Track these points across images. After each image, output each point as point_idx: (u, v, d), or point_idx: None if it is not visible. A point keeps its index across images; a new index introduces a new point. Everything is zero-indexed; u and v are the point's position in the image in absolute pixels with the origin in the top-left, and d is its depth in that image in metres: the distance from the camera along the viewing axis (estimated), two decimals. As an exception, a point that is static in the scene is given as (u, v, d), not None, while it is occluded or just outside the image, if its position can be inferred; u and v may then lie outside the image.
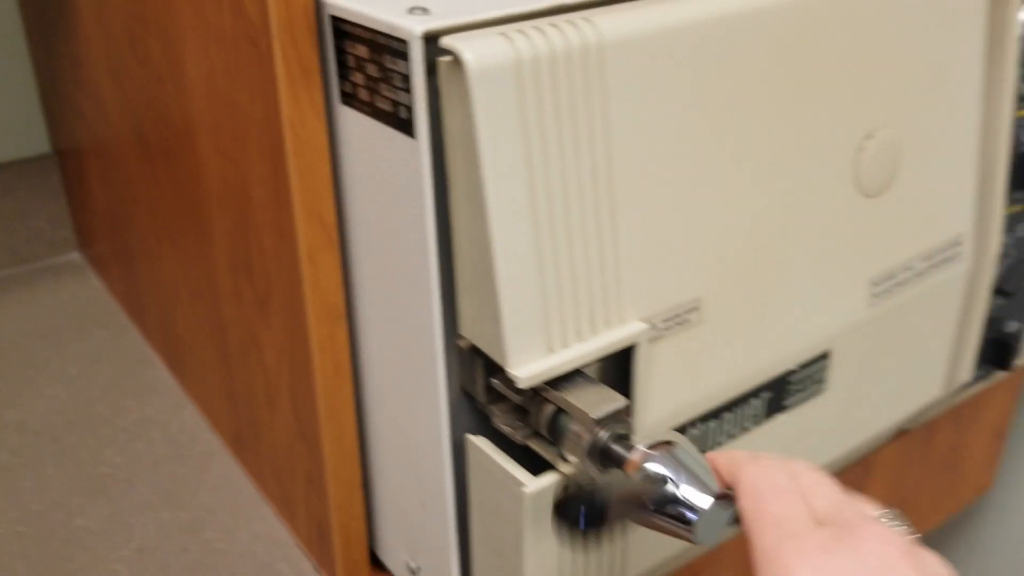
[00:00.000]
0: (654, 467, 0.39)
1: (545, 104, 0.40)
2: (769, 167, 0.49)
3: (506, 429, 0.46)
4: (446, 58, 0.40)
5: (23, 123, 1.01)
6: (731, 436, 0.55)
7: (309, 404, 0.57)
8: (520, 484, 0.44)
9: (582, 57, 0.40)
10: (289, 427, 0.62)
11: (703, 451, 0.46)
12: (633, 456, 0.40)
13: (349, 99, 0.48)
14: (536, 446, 0.45)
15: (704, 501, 0.38)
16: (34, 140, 1.02)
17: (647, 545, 0.53)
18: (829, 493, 0.38)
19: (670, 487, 0.38)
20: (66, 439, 0.78)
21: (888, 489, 0.81)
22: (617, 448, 0.41)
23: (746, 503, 0.38)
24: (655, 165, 0.44)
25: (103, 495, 0.72)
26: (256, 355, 0.63)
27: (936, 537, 1.13)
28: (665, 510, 0.38)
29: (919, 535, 0.39)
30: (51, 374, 0.86)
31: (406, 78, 0.42)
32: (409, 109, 0.42)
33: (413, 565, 0.58)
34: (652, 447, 0.40)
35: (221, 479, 0.73)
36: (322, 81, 0.49)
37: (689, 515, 0.38)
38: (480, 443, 0.47)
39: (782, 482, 0.38)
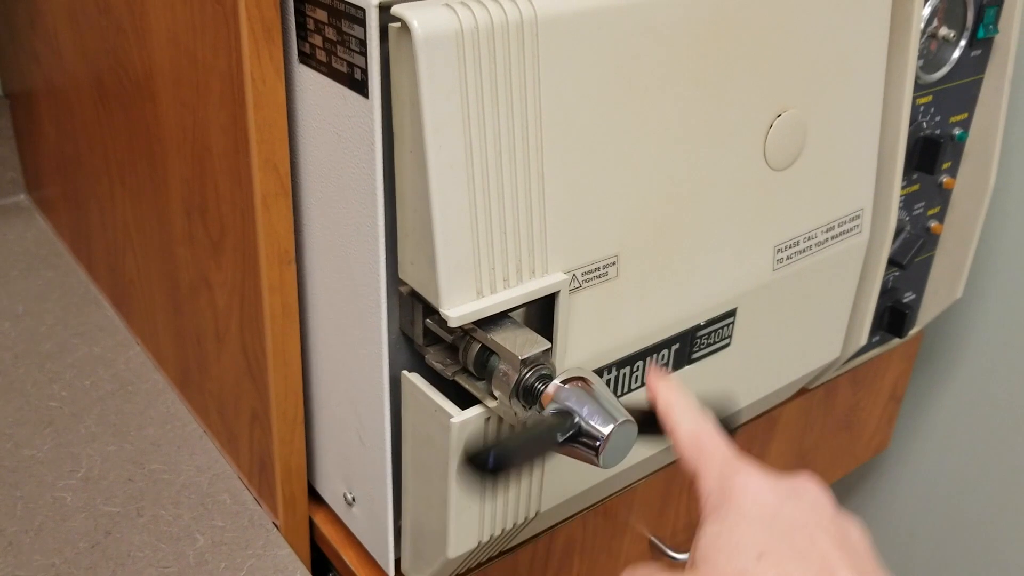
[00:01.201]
0: (565, 398, 0.44)
1: (483, 70, 0.44)
2: (684, 138, 0.55)
3: (437, 365, 0.51)
4: (396, 24, 0.44)
5: (-28, 64, 1.03)
6: (642, 383, 0.60)
7: (258, 343, 0.61)
8: (448, 415, 0.49)
9: (517, 30, 0.45)
10: (237, 365, 0.66)
11: (617, 395, 0.51)
12: (548, 390, 0.45)
13: (307, 59, 0.52)
14: (464, 382, 0.50)
15: (606, 428, 0.43)
16: (-17, 82, 1.04)
17: (562, 478, 0.58)
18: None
19: (576, 417, 0.43)
20: (13, 373, 0.81)
21: (790, 445, 0.87)
22: (540, 386, 0.46)
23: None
24: (580, 132, 0.49)
25: (50, 427, 0.75)
26: (207, 296, 0.67)
27: (836, 492, 1.20)
28: (574, 438, 0.43)
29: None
30: (-1, 311, 0.89)
31: (362, 43, 0.46)
32: (364, 71, 0.47)
33: (350, 496, 0.63)
34: (565, 382, 0.45)
35: (166, 415, 0.77)
36: (282, 40, 0.53)
37: (593, 442, 0.43)
38: (414, 379, 0.52)
39: (721, 450, 0.42)
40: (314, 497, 0.69)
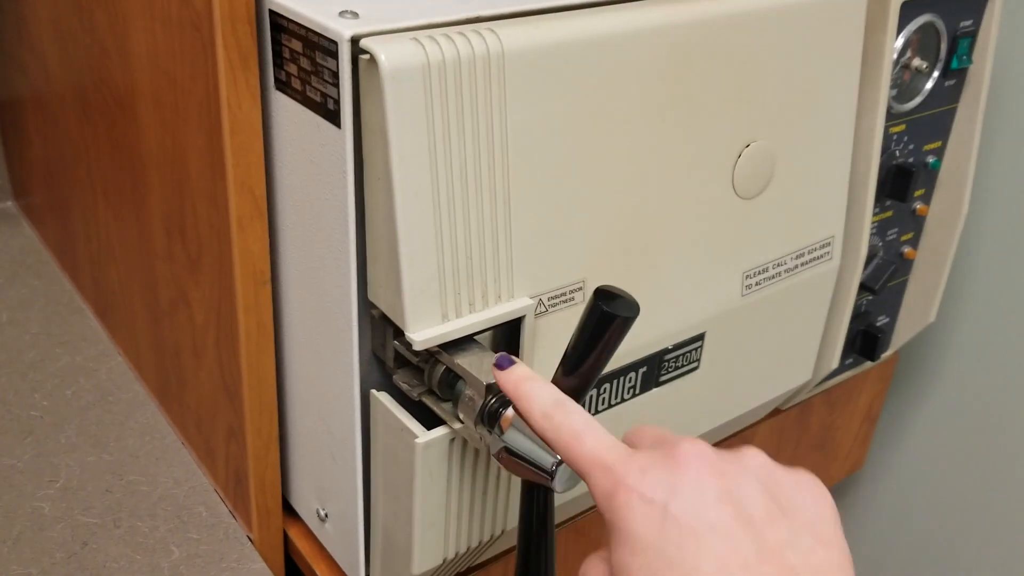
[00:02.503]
0: (520, 424, 0.45)
1: (450, 102, 0.46)
2: (652, 168, 0.56)
3: (404, 386, 0.52)
4: (365, 56, 0.46)
5: (-38, 72, 1.03)
6: (610, 405, 0.61)
7: (233, 360, 0.63)
8: (413, 435, 0.50)
9: (484, 64, 0.46)
10: (214, 380, 0.67)
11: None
12: (507, 413, 0.46)
13: (283, 86, 0.53)
14: (430, 403, 0.51)
15: (551, 463, 0.43)
16: (-28, 90, 1.05)
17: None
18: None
19: (531, 442, 0.44)
20: (-4, 382, 0.82)
21: (764, 463, 0.89)
22: (502, 410, 0.47)
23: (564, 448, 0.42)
24: (547, 161, 0.51)
25: (31, 436, 0.76)
26: (186, 312, 0.68)
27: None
28: (529, 462, 0.44)
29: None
30: (-17, 319, 0.89)
31: (335, 74, 0.47)
32: (336, 102, 0.48)
33: (323, 512, 0.64)
34: None
35: (145, 426, 0.78)
36: (259, 68, 0.54)
37: (547, 466, 0.43)
38: (383, 398, 0.53)
39: (580, 418, 0.42)
40: (290, 512, 0.70)
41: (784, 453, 0.90)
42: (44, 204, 0.98)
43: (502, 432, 0.46)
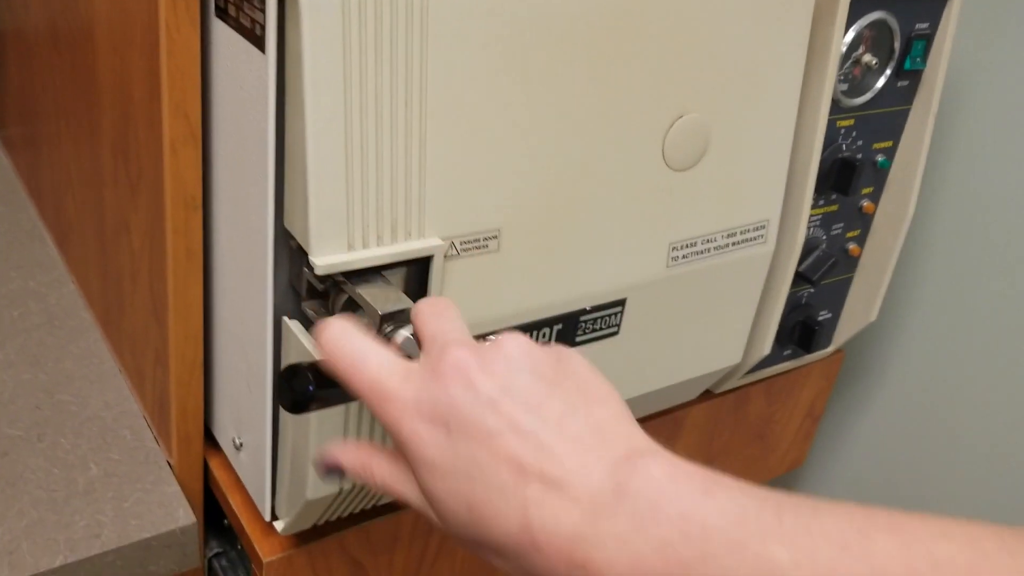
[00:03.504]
0: (410, 349, 0.46)
1: (367, 34, 0.47)
2: (577, 126, 0.57)
3: (310, 312, 0.53)
4: (289, -17, 0.47)
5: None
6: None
7: (161, 285, 0.64)
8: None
9: (407, 1, 0.47)
10: (146, 305, 0.68)
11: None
12: (397, 339, 0.47)
13: (222, 13, 0.54)
14: (330, 330, 0.53)
15: None
16: (-40, 18, 1.06)
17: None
18: (426, 328, 0.42)
19: None
20: (-54, 297, 0.83)
21: (697, 446, 0.90)
22: (393, 336, 0.48)
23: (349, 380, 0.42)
24: (467, 105, 0.52)
25: (-29, 350, 0.77)
26: (126, 237, 0.69)
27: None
28: None
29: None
30: (-57, 238, 0.91)
31: (263, 0, 0.48)
32: (262, 27, 0.49)
33: (238, 441, 0.65)
34: (414, 335, 0.47)
35: (86, 351, 0.79)
36: (201, -7, 0.55)
37: None
38: (292, 325, 0.54)
39: (362, 344, 0.41)
40: (213, 443, 0.71)
41: (719, 438, 0.91)
42: (17, 134, 0.99)
43: None
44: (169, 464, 0.69)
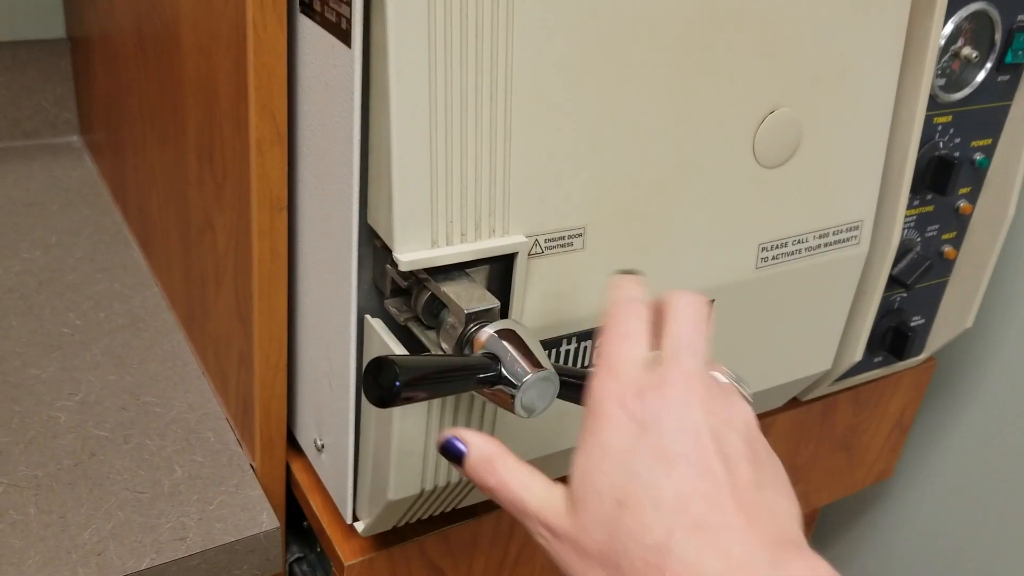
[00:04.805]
0: (493, 345, 0.45)
1: (453, 27, 0.46)
2: (666, 122, 0.55)
3: (392, 310, 0.52)
4: (374, -24, 0.46)
5: (43, 6, 1.07)
6: (609, 361, 0.61)
7: (246, 286, 0.64)
8: (396, 361, 0.51)
9: (494, -9, 0.46)
10: (230, 307, 0.68)
11: (581, 367, 0.51)
12: (480, 336, 0.46)
13: (307, 8, 0.54)
14: (415, 328, 0.52)
15: (522, 377, 0.44)
16: (51, 24, 1.09)
17: (519, 443, 0.59)
18: (679, 332, 0.42)
19: (500, 363, 0.44)
20: (35, 298, 0.84)
21: (783, 455, 0.87)
22: (476, 334, 0.47)
23: (598, 343, 0.43)
24: (553, 100, 0.50)
25: (59, 351, 0.78)
26: (210, 238, 0.70)
27: (836, 517, 1.19)
28: (494, 382, 0.44)
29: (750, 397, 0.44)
30: (33, 240, 0.93)
31: (348, -7, 0.48)
32: (348, 21, 0.49)
33: (319, 442, 0.65)
34: (498, 332, 0.46)
35: (170, 352, 0.80)
36: (289, -9, 0.55)
37: (511, 388, 0.44)
38: (375, 324, 0.53)
39: (631, 326, 0.42)
40: (297, 447, 0.71)
41: (805, 448, 0.88)
42: (104, 139, 1.01)
43: (473, 352, 0.46)
44: (252, 467, 0.69)
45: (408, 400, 0.42)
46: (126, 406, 0.74)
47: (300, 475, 0.70)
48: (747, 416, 0.41)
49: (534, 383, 0.44)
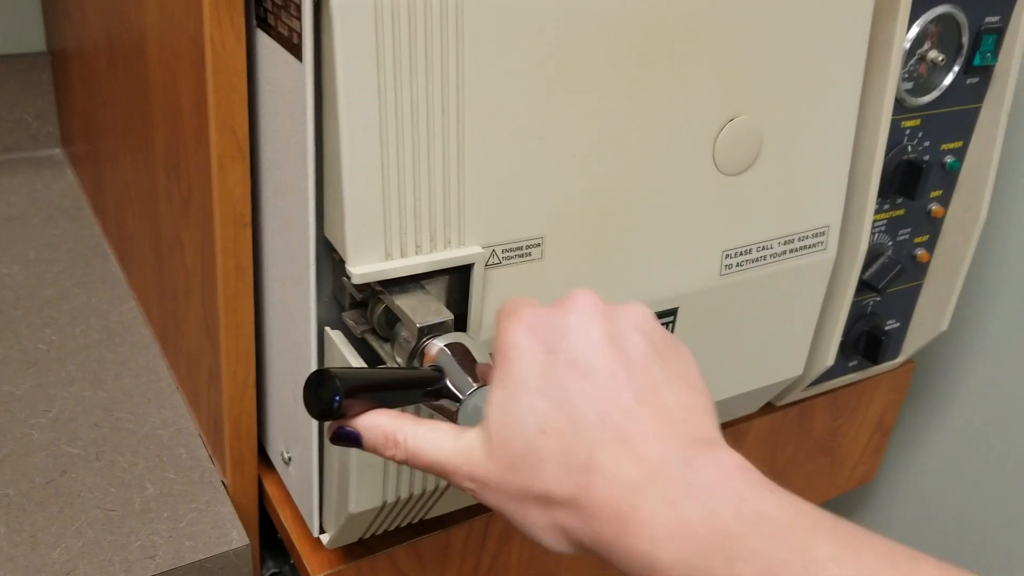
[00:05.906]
0: (440, 358, 0.45)
1: (402, 40, 0.46)
2: (624, 127, 0.55)
3: (349, 323, 0.52)
4: (322, -9, 0.46)
5: (23, 21, 1.08)
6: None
7: (213, 303, 0.64)
8: (355, 374, 0.51)
9: (441, 5, 0.46)
10: (199, 323, 0.68)
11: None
12: (430, 350, 0.46)
13: (263, 24, 0.54)
14: (371, 341, 0.52)
15: (465, 390, 0.44)
16: (31, 38, 1.09)
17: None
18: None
19: (445, 377, 0.44)
20: (11, 314, 0.84)
21: (760, 460, 0.87)
22: (426, 347, 0.47)
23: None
24: (507, 110, 0.51)
25: (33, 367, 0.78)
26: (179, 254, 0.70)
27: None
28: (438, 395, 0.44)
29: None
30: (11, 255, 0.93)
31: (299, 7, 0.48)
32: (299, 35, 0.49)
33: (287, 455, 0.65)
34: (448, 345, 0.46)
35: (145, 367, 0.80)
36: (244, 6, 0.55)
37: (453, 402, 0.44)
38: (334, 336, 0.53)
39: (522, 301, 0.43)
40: (268, 461, 0.71)
41: (783, 452, 0.88)
42: (83, 152, 1.01)
43: (422, 365, 0.46)
44: (223, 484, 0.69)
45: (354, 413, 0.42)
46: (99, 423, 0.74)
47: (271, 489, 0.70)
48: (644, 311, 0.41)
49: (477, 396, 0.44)
